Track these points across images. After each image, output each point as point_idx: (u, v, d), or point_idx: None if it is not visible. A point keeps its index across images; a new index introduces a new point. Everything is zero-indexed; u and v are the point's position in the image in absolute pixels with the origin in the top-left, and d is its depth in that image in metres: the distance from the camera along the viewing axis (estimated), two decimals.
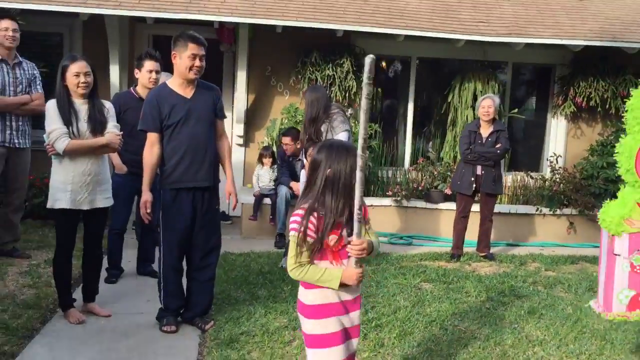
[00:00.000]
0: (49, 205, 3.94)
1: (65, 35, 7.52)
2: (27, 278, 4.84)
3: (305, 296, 2.49)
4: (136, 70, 4.94)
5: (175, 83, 3.92)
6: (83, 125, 3.88)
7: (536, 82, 9.00)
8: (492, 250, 6.52)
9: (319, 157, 2.45)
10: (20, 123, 5.25)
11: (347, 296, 2.48)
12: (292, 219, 2.43)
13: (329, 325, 2.45)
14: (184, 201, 3.90)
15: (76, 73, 3.84)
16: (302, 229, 2.37)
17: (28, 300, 4.33)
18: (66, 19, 7.04)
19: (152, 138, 3.89)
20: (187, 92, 3.91)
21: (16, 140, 5.23)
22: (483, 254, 6.34)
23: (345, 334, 2.50)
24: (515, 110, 8.13)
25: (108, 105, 4.13)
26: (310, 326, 2.48)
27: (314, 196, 2.42)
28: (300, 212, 2.41)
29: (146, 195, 3.88)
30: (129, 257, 5.25)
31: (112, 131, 4.00)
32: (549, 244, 7.23)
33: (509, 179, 7.76)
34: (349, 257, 2.43)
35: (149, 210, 3.88)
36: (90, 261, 4.18)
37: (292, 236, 2.39)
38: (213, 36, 7.21)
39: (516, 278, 5.56)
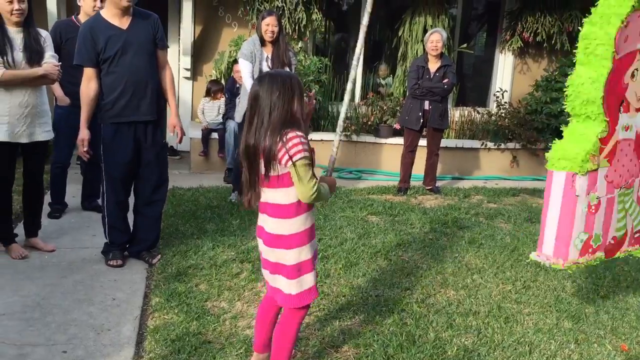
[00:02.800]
0: None
1: None
2: None
3: (301, 223, 2.44)
4: None
5: (109, 13, 3.72)
6: (18, 55, 3.70)
7: (486, 16, 9.02)
8: (438, 183, 6.68)
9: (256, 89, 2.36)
10: None
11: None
12: (296, 141, 2.28)
13: (311, 248, 2.48)
14: (124, 136, 3.79)
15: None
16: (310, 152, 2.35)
17: None
18: None
19: (88, 73, 3.74)
20: (123, 23, 3.72)
21: None
22: (429, 188, 6.49)
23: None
24: (465, 45, 8.16)
25: (44, 34, 3.94)
26: (297, 255, 2.44)
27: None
28: (299, 133, 2.31)
29: (83, 133, 3.77)
30: (74, 192, 5.16)
31: (50, 61, 3.83)
32: (492, 177, 7.45)
33: (456, 114, 7.87)
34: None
35: (85, 149, 3.78)
36: (31, 195, 4.08)
37: (306, 159, 2.31)
38: None
39: (459, 210, 5.74)
